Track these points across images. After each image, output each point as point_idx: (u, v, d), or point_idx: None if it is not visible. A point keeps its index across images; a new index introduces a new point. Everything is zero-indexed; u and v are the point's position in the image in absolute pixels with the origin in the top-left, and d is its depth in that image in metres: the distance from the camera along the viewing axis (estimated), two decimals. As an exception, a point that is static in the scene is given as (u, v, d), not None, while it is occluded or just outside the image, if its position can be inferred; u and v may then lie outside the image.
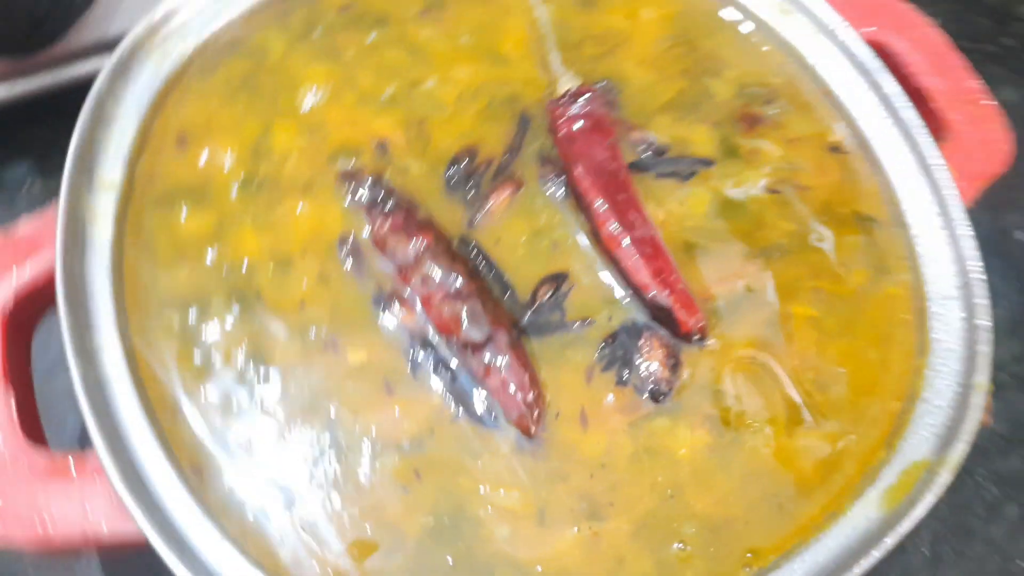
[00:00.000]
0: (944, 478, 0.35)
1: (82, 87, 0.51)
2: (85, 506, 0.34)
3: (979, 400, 0.37)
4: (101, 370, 0.37)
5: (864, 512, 0.35)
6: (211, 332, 0.39)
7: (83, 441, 0.34)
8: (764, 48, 0.49)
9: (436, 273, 0.40)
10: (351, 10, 0.48)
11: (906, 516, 0.34)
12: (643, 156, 0.45)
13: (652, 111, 0.46)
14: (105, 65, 0.42)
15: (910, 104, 0.45)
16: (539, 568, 0.35)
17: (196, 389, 0.37)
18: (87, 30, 0.51)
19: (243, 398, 0.37)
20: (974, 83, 0.47)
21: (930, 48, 0.48)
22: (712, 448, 0.38)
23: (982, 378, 0.38)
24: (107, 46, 0.53)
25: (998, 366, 0.55)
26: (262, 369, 0.38)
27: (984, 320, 0.39)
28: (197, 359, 0.38)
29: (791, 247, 0.43)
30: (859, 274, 0.43)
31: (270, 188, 0.42)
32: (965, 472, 0.36)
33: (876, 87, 0.46)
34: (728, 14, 0.50)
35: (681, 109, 0.46)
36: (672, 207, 0.43)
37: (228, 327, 0.39)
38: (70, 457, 0.35)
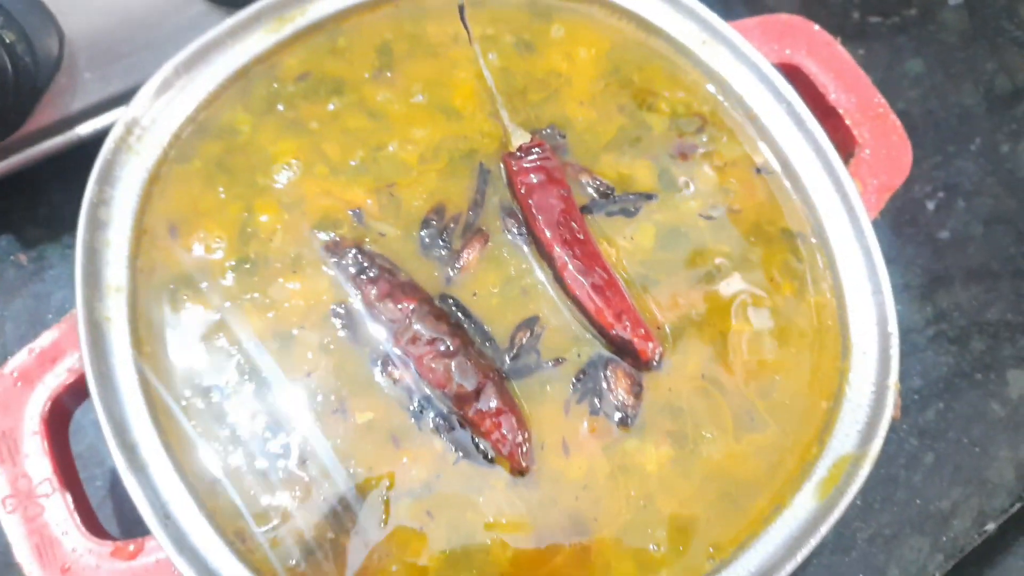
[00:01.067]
0: (865, 470, 0.42)
1: (52, 159, 0.55)
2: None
3: (891, 399, 0.44)
4: (141, 457, 0.42)
5: (803, 503, 0.43)
6: (232, 408, 0.44)
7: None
8: (690, 77, 0.54)
9: (424, 334, 0.45)
10: (308, 79, 0.51)
11: (836, 506, 0.42)
12: (593, 197, 0.50)
13: (597, 150, 0.51)
14: (91, 174, 0.45)
15: (819, 126, 0.51)
16: None
17: (227, 462, 0.43)
18: (48, 110, 0.54)
19: (269, 465, 0.43)
20: (879, 98, 0.52)
21: (838, 67, 0.53)
22: (675, 460, 0.45)
23: (893, 379, 0.45)
24: (67, 122, 0.55)
25: (914, 329, 0.63)
26: (282, 436, 0.43)
27: (893, 327, 0.46)
28: (224, 433, 0.43)
29: (728, 268, 0.49)
30: (788, 287, 0.49)
31: (262, 268, 0.46)
32: (891, 427, 0.44)
33: (791, 110, 0.52)
34: (655, 44, 0.54)
35: (623, 146, 0.51)
36: (622, 243, 0.49)
37: (246, 402, 0.44)
38: (131, 545, 0.40)
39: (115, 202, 0.46)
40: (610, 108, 0.52)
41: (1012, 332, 0.63)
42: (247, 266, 0.46)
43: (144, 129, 0.47)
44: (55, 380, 0.42)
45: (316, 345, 0.45)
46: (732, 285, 0.49)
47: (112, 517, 0.53)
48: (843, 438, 0.45)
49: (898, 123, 0.52)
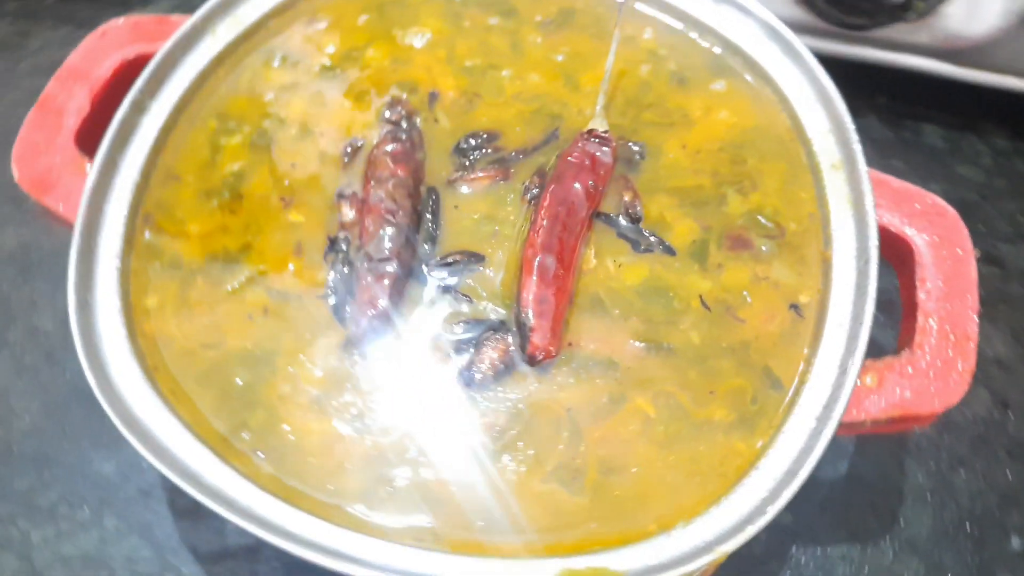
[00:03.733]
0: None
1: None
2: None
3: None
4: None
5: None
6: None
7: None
8: (801, 195, 0.49)
9: (390, 196, 0.47)
10: (493, -8, 0.56)
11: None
12: (619, 213, 0.48)
13: (660, 187, 0.49)
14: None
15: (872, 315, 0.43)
16: (286, 426, 0.42)
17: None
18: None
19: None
20: (973, 326, 0.44)
21: (946, 261, 0.45)
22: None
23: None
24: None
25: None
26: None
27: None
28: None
29: (677, 352, 0.44)
30: (720, 411, 0.43)
31: (339, 78, 0.52)
32: None
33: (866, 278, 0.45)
34: (793, 148, 0.51)
35: (686, 199, 0.49)
36: (607, 263, 0.47)
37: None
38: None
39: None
40: (705, 167, 0.50)
41: None
42: (330, 66, 0.52)
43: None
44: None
45: (315, 154, 0.50)
46: (665, 368, 0.44)
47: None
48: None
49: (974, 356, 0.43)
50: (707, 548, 0.39)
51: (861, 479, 0.55)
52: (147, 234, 0.47)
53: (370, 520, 0.39)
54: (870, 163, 0.48)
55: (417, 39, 0.54)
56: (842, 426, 0.41)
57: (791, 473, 0.40)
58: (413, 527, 0.40)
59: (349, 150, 0.50)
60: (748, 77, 0.53)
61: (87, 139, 0.48)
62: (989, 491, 0.54)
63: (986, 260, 0.63)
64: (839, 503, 0.54)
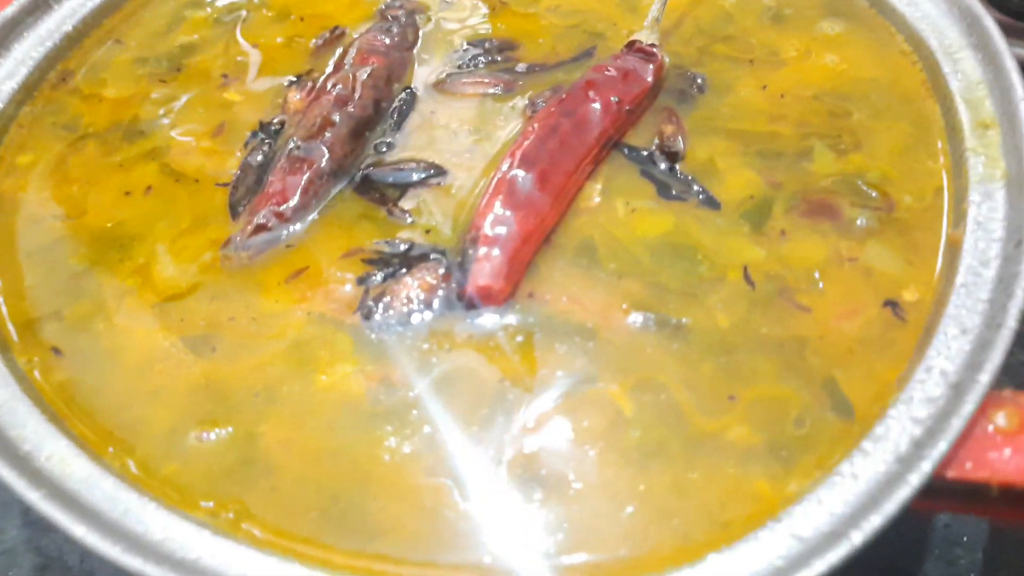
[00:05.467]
0: None
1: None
2: None
3: None
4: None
5: None
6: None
7: None
8: (928, 163, 0.33)
9: (348, 84, 0.36)
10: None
11: None
12: (649, 149, 0.34)
13: (719, 128, 0.35)
14: None
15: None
16: (105, 327, 0.30)
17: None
18: None
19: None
20: None
21: None
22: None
23: None
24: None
25: None
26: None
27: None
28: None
29: (691, 334, 0.29)
30: (739, 428, 0.26)
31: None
32: None
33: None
34: (922, 106, 0.35)
35: (752, 146, 0.34)
36: (616, 205, 0.32)
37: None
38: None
39: None
40: (789, 114, 0.35)
41: None
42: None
43: None
44: None
45: (285, 38, 0.40)
46: (670, 352, 0.28)
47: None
48: None
49: None
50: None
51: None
52: (55, 88, 0.38)
53: (151, 480, 0.26)
54: None
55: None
56: (946, 485, 0.24)
57: (834, 535, 0.23)
58: (220, 496, 0.26)
59: (326, 35, 0.39)
60: (876, 18, 0.38)
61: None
62: None
63: None
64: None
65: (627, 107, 0.34)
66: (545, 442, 0.27)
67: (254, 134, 0.36)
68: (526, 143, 0.32)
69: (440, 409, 0.27)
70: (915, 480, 0.23)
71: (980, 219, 0.30)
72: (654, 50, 0.36)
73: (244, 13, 0.41)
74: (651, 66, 0.36)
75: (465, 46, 0.39)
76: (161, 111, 0.37)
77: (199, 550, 0.24)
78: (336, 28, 0.40)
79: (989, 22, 0.35)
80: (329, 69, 0.38)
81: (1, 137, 0.36)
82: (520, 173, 0.31)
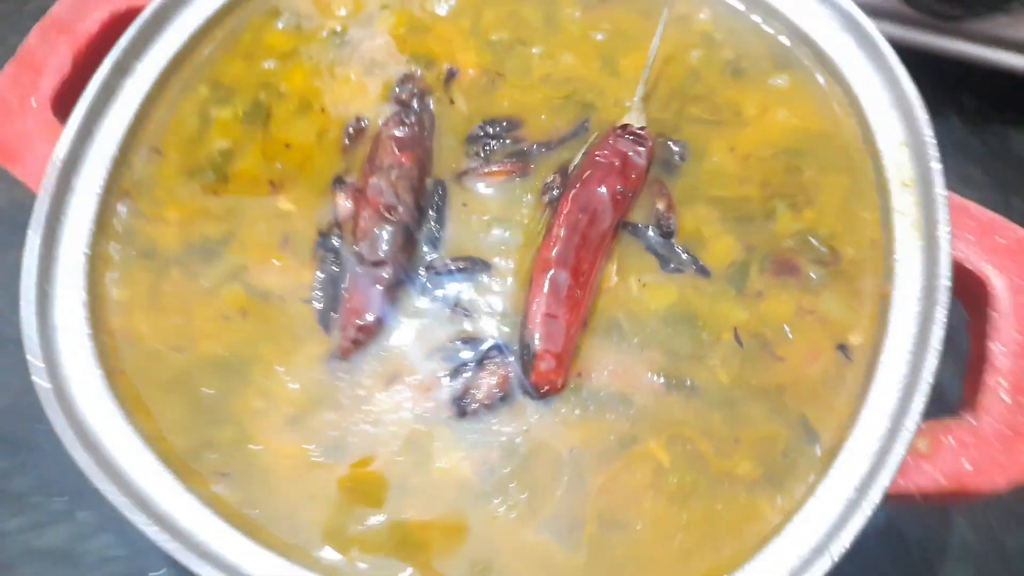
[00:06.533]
0: None
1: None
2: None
3: None
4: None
5: None
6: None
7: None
8: (865, 216, 0.43)
9: (391, 188, 0.42)
10: (534, -42, 0.50)
11: None
12: (649, 225, 0.42)
13: (701, 196, 0.43)
14: None
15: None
16: (255, 447, 0.37)
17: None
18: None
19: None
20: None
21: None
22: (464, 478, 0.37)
23: None
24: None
25: None
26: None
27: None
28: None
29: (701, 391, 0.39)
30: (744, 464, 0.37)
31: (348, 45, 0.47)
32: None
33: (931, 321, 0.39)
34: (860, 160, 0.44)
35: (729, 212, 0.43)
36: (630, 282, 0.41)
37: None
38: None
39: None
40: (754, 176, 0.43)
41: None
42: (339, 31, 0.47)
43: None
44: None
45: (313, 134, 0.44)
46: (687, 410, 0.38)
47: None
48: None
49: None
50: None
51: (901, 535, 0.49)
52: (122, 215, 0.42)
53: (337, 565, 0.35)
54: (944, 169, 0.40)
55: (440, 5, 0.48)
56: (886, 498, 0.36)
57: (818, 550, 0.34)
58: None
59: (351, 131, 0.44)
60: (816, 73, 0.46)
61: (65, 103, 0.44)
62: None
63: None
64: (873, 558, 0.48)
65: (630, 193, 0.42)
66: (613, 495, 0.37)
67: (319, 244, 0.41)
68: (556, 244, 0.40)
69: (531, 480, 0.37)
70: (874, 500, 0.34)
71: (903, 276, 0.40)
72: (644, 133, 0.43)
73: (267, 107, 0.45)
74: (643, 149, 0.43)
75: (476, 130, 0.44)
76: (224, 227, 0.42)
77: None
78: (358, 120, 0.45)
79: (908, 84, 0.43)
80: (366, 167, 0.43)
81: (95, 278, 0.40)
82: (558, 274, 0.39)
